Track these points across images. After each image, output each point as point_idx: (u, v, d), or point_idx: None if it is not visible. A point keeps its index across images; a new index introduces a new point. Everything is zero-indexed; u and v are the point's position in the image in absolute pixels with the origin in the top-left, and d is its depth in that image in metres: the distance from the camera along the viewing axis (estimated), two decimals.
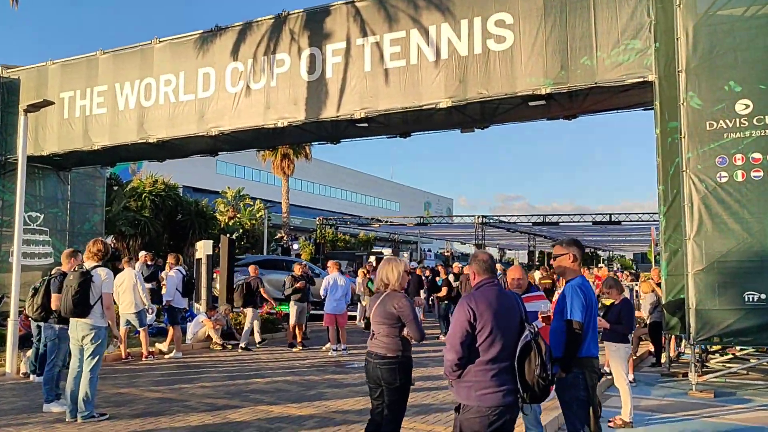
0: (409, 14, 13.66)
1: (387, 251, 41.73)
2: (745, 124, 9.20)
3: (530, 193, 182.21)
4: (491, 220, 31.73)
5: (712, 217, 9.33)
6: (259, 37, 15.25)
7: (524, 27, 12.55)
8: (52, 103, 11.73)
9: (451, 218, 34.85)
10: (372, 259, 36.05)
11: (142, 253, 15.94)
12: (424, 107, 13.40)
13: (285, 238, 35.32)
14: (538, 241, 41.21)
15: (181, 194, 30.23)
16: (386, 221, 39.10)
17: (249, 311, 13.26)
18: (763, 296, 8.87)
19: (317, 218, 38.89)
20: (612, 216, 28.58)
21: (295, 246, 35.30)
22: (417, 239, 59.41)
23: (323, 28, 14.59)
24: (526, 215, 30.74)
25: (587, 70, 12.00)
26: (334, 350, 12.16)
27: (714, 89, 9.44)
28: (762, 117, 9.09)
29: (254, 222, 33.91)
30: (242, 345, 12.76)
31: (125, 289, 10.97)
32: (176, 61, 16.27)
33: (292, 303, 12.99)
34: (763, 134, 9.07)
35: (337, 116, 14.25)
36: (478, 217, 31.42)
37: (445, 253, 55.96)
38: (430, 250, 66.06)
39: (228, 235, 20.84)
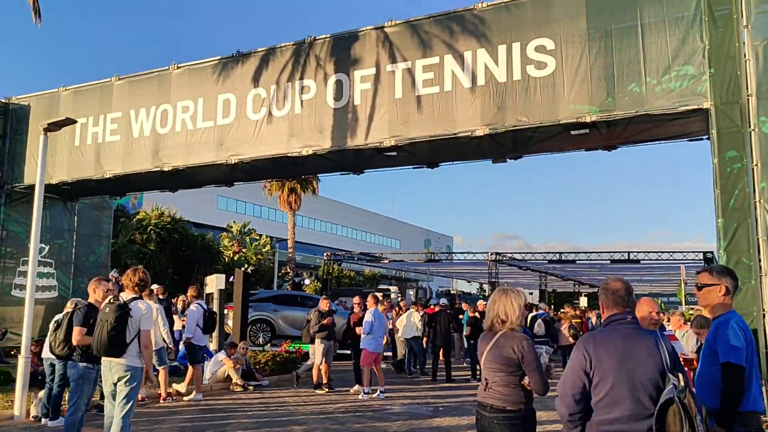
0: (442, 39, 13.12)
1: (393, 288, 40.79)
2: None
3: (527, 232, 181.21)
4: (504, 257, 31.01)
5: None
6: (283, 63, 14.70)
7: (567, 52, 12.01)
8: (75, 121, 11.04)
9: (455, 256, 34.14)
10: (379, 295, 35.19)
11: (154, 286, 15.04)
12: (459, 135, 12.76)
13: (290, 274, 34.43)
14: (550, 280, 40.41)
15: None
16: (396, 258, 38.29)
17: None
18: None
19: (325, 254, 38.08)
20: (630, 254, 27.99)
21: (306, 282, 34.38)
22: (417, 277, 58.39)
23: (351, 54, 14.04)
24: (541, 252, 30.09)
25: (635, 97, 11.41)
26: (366, 393, 11.26)
27: None
28: None
29: (260, 257, 33.07)
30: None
31: None
32: (195, 87, 15.69)
33: (318, 341, 12.11)
34: None
35: (366, 144, 13.60)
36: (492, 254, 30.69)
37: (452, 291, 54.84)
38: (430, 288, 65.09)
39: (243, 268, 19.99)
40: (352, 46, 13.99)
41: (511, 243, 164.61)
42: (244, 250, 33.79)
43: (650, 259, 28.06)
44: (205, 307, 11.54)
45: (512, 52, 12.48)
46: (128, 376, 6.00)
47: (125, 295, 6.27)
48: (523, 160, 15.10)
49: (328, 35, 14.33)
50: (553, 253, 29.55)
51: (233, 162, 14.84)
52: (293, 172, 16.40)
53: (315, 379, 12.10)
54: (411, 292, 47.53)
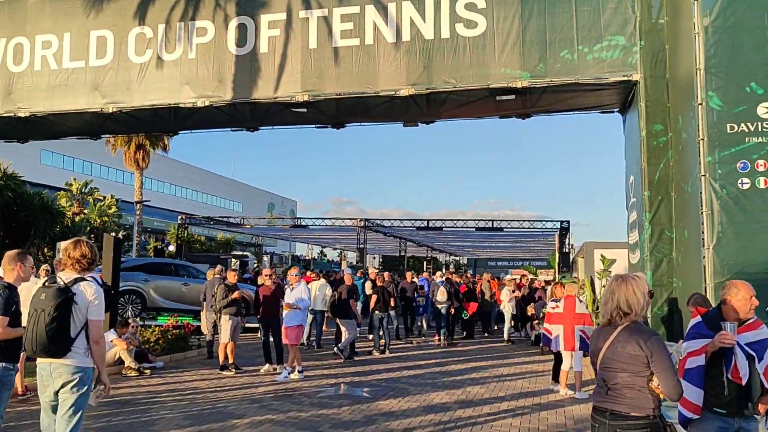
0: None
1: (249, 254, 39.11)
2: (767, 128, 8.72)
3: (362, 198, 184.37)
4: (373, 224, 30.69)
5: (734, 225, 8.75)
6: (174, 0, 12.81)
7: (498, 13, 11.50)
8: None
9: (323, 221, 33.28)
10: (235, 262, 33.36)
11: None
12: (381, 93, 11.89)
13: (138, 238, 31.51)
14: (408, 246, 40.93)
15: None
16: (258, 223, 36.32)
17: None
18: None
19: (179, 217, 35.34)
20: (494, 223, 28.91)
21: (171, 248, 31.63)
22: (258, 242, 56.44)
23: None
24: (409, 219, 30.15)
25: (567, 64, 11.18)
26: (288, 373, 10.18)
27: (735, 90, 8.87)
28: None
29: (105, 219, 29.81)
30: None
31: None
32: (59, 20, 13.35)
33: (226, 317, 10.78)
34: None
35: (275, 98, 12.29)
36: (360, 221, 30.20)
37: (307, 257, 54.02)
38: (275, 254, 63.54)
39: (114, 234, 17.64)
40: None
41: (346, 208, 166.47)
42: (86, 211, 30.29)
43: (512, 228, 29.20)
44: (100, 281, 9.71)
45: (441, 7, 11.75)
46: (76, 380, 4.56)
47: (65, 276, 4.78)
48: (350, 125, 14.34)
49: None
50: (420, 220, 29.82)
51: (111, 110, 12.84)
52: (176, 126, 14.57)
53: (221, 359, 10.78)
54: (266, 258, 46.07)
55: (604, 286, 17.12)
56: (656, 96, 10.75)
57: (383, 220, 30.60)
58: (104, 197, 31.63)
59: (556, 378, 9.86)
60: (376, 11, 11.93)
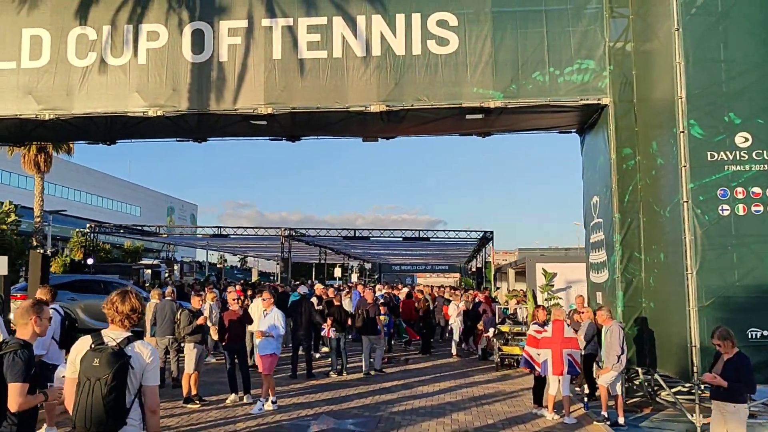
0: None
1: (161, 263, 37.18)
2: (745, 157, 9.08)
3: (259, 201, 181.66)
4: (297, 233, 29.94)
5: (715, 251, 9.03)
6: (121, 0, 11.81)
7: (470, 31, 11.37)
8: None
9: (246, 231, 32.03)
10: (149, 272, 31.68)
11: None
12: (351, 109, 11.43)
13: (39, 247, 29.12)
14: (328, 254, 40.32)
15: None
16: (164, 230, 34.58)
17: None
18: (765, 333, 8.80)
19: (87, 225, 32.97)
20: (420, 233, 29.02)
21: (90, 261, 29.33)
22: (172, 250, 53.83)
23: (215, 1, 11.77)
24: (336, 228, 29.60)
25: (539, 86, 11.20)
26: (262, 404, 9.54)
27: (714, 119, 9.17)
28: (761, 151, 9.05)
29: (3, 228, 27.36)
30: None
31: None
32: None
33: (190, 345, 9.97)
34: (762, 169, 9.03)
35: (235, 110, 11.59)
36: (285, 230, 29.37)
37: (219, 265, 52.07)
38: (184, 262, 60.80)
39: (42, 250, 16.05)
40: None
41: (243, 211, 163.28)
42: None
43: (438, 238, 29.45)
44: (62, 312, 8.72)
45: (411, 23, 11.48)
46: None
47: (114, 334, 4.11)
48: (307, 139, 13.97)
49: None
50: (348, 229, 29.38)
51: (47, 118, 11.65)
52: (114, 135, 13.40)
53: (185, 390, 9.98)
54: (176, 266, 44.03)
55: (546, 300, 17.47)
56: (624, 120, 10.98)
57: (308, 229, 30.00)
58: (2, 203, 29.09)
59: (538, 401, 9.81)
60: (345, 23, 11.50)
